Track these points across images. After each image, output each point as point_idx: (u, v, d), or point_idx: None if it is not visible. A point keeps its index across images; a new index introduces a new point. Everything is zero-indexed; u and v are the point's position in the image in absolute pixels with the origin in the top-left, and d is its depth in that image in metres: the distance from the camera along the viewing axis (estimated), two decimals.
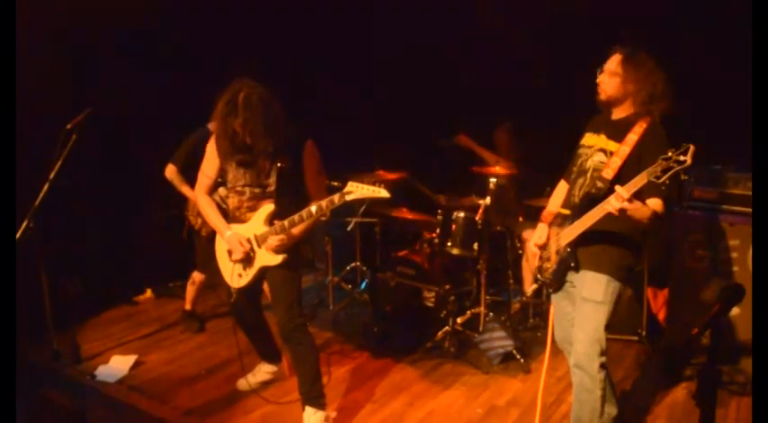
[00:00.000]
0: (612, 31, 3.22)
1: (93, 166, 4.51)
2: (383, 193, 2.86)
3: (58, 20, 4.52)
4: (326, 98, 5.80)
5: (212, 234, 4.22)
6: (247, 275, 3.23)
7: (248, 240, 3.14)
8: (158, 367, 4.09)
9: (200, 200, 3.29)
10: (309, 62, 5.86)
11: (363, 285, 5.19)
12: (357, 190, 2.87)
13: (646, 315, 4.26)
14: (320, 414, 3.23)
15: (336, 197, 2.90)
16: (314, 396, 3.25)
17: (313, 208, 2.97)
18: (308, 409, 3.24)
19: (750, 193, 3.72)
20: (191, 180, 4.07)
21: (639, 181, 2.40)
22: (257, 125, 2.92)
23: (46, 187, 3.67)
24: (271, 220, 3.11)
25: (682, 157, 2.30)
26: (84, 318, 4.79)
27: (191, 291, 4.62)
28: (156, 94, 4.99)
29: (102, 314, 4.96)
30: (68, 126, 3.69)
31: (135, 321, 4.87)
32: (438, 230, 4.36)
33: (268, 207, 3.12)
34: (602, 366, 2.73)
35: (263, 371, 3.78)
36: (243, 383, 3.74)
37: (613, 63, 2.69)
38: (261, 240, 3.13)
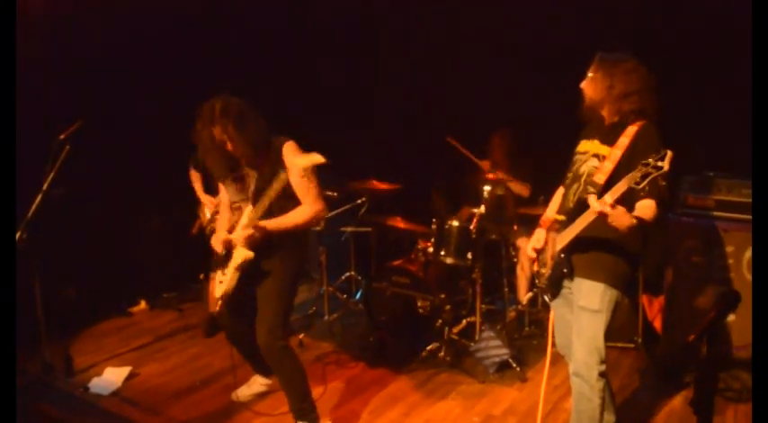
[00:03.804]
0: (610, 36, 3.22)
1: (88, 177, 4.50)
2: (318, 158, 2.86)
3: (54, 33, 4.54)
4: (324, 105, 5.82)
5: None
6: (226, 279, 3.17)
7: (227, 240, 3.17)
8: (152, 379, 4.06)
9: (217, 227, 3.47)
10: (310, 68, 5.88)
11: (358, 295, 5.17)
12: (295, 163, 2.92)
13: (642, 322, 4.26)
14: None
15: (282, 175, 2.91)
16: (305, 413, 3.23)
17: (272, 191, 2.95)
18: None
19: (744, 199, 3.73)
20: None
21: (621, 187, 2.38)
22: (235, 131, 2.98)
23: (39, 198, 3.65)
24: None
25: (660, 163, 2.28)
26: (77, 329, 4.77)
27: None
28: (153, 104, 4.99)
29: (95, 325, 4.93)
30: (62, 136, 3.68)
31: (129, 333, 4.83)
32: (433, 240, 4.36)
33: (248, 209, 3.12)
34: (602, 375, 2.72)
35: (259, 383, 3.75)
36: (238, 395, 3.71)
37: (591, 65, 2.70)
38: (238, 240, 3.12)
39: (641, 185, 2.32)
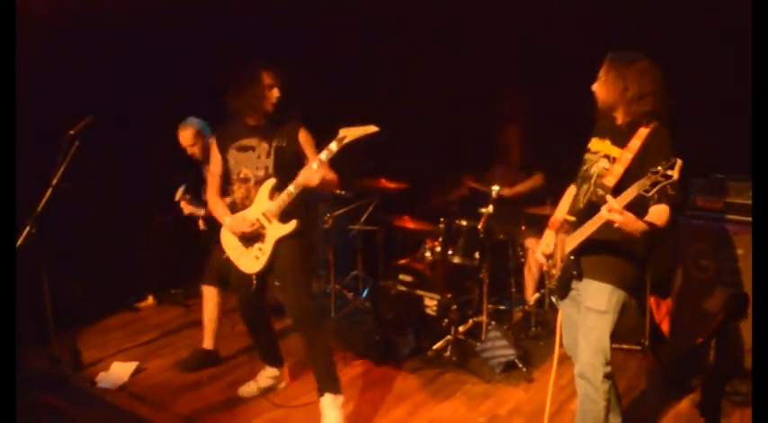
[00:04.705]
0: (610, 37, 3.21)
1: (96, 172, 4.52)
2: (372, 128, 3.03)
3: (59, 24, 4.55)
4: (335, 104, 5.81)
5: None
6: (264, 254, 3.27)
7: (257, 220, 3.23)
8: (159, 374, 4.07)
9: (210, 201, 3.46)
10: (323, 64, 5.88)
11: (365, 293, 5.18)
12: (350, 133, 3.03)
13: (649, 324, 4.25)
14: (340, 398, 3.31)
15: (334, 144, 3.04)
16: (330, 380, 3.31)
17: (314, 164, 3.07)
18: (327, 397, 3.29)
19: None
20: None
21: (630, 193, 2.36)
22: (279, 82, 3.19)
23: (49, 192, 3.67)
24: (274, 194, 3.20)
25: (669, 172, 2.26)
26: (84, 324, 4.78)
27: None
28: (159, 99, 5.00)
29: (102, 320, 4.95)
30: (71, 132, 3.70)
31: (136, 328, 4.85)
32: (440, 239, 4.35)
33: (269, 182, 3.20)
34: (607, 376, 2.71)
35: (266, 376, 3.77)
36: (245, 389, 3.73)
37: (603, 67, 2.66)
38: (270, 215, 3.21)
39: (650, 193, 2.31)
